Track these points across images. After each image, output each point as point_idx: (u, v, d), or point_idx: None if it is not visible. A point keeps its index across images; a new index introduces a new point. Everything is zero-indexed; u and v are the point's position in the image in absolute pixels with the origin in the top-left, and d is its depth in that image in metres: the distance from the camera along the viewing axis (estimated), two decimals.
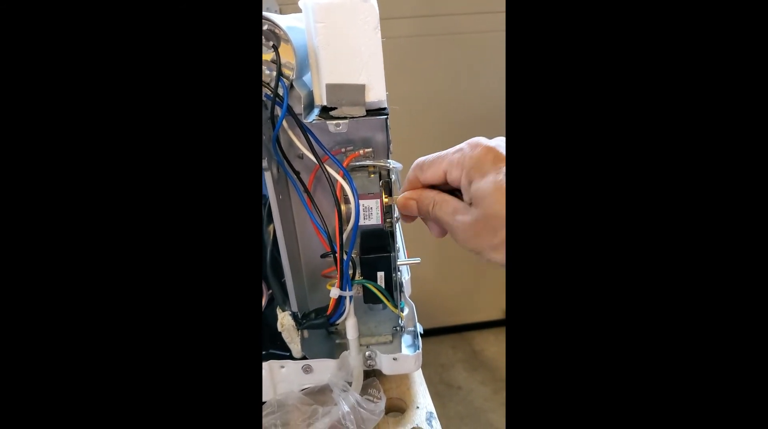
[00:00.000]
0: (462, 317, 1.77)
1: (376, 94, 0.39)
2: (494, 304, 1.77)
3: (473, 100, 1.44)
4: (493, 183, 0.36)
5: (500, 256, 0.37)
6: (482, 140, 0.40)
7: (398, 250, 0.49)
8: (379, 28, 0.38)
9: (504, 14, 1.30)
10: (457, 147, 0.41)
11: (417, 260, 0.50)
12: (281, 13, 0.71)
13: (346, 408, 0.44)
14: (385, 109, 0.41)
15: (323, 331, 0.54)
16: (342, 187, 0.42)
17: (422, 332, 0.54)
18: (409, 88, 1.40)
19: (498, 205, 0.35)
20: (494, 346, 1.76)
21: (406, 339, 0.54)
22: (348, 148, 0.45)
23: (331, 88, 0.39)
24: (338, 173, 0.42)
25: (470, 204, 0.38)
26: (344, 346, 0.51)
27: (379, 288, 0.46)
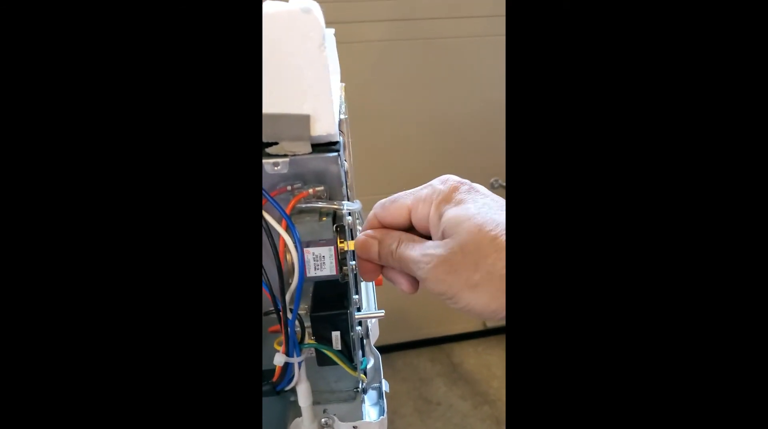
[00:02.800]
0: (440, 329, 1.72)
1: (324, 126, 0.32)
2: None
3: (448, 106, 1.40)
4: (472, 209, 0.29)
5: (479, 299, 0.29)
6: (454, 176, 0.33)
7: (359, 300, 0.42)
8: (326, 45, 0.30)
9: (481, 19, 1.26)
10: (425, 184, 0.35)
11: (381, 313, 0.43)
12: None
13: None
14: (336, 143, 0.34)
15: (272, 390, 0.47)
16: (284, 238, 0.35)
17: (387, 390, 0.47)
18: (383, 92, 1.34)
19: (479, 233, 0.28)
20: (473, 359, 1.71)
21: (371, 397, 0.47)
22: (296, 186, 0.37)
23: (269, 119, 0.31)
24: (280, 222, 0.35)
25: (442, 238, 0.31)
26: (299, 408, 0.44)
27: (333, 351, 0.39)
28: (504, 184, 1.50)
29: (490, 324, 1.71)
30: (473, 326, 1.73)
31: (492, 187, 1.50)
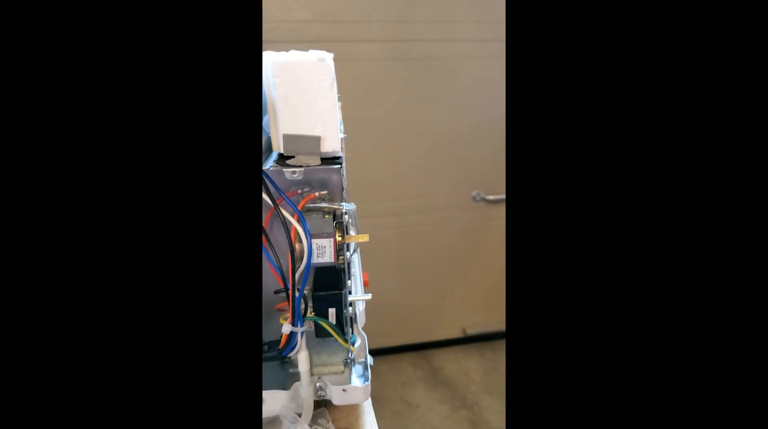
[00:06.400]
0: (423, 335, 1.80)
1: (331, 145, 0.42)
2: (454, 323, 1.80)
3: (434, 122, 1.49)
4: None
5: None
6: None
7: (351, 286, 0.51)
8: (335, 85, 0.40)
9: (470, 42, 1.35)
10: None
11: (368, 296, 0.53)
12: None
13: None
14: (339, 158, 0.44)
15: (276, 362, 0.56)
16: (296, 229, 0.44)
17: (372, 364, 0.56)
18: (375, 107, 1.43)
19: None
20: (453, 365, 1.79)
21: (357, 369, 0.56)
22: (304, 190, 0.47)
23: (288, 139, 0.41)
24: (293, 216, 0.44)
25: None
26: (297, 376, 0.53)
27: (330, 324, 0.49)
28: (486, 197, 1.58)
29: (470, 331, 1.80)
30: (454, 333, 1.81)
31: (474, 200, 1.59)
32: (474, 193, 1.58)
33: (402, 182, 1.53)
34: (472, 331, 1.80)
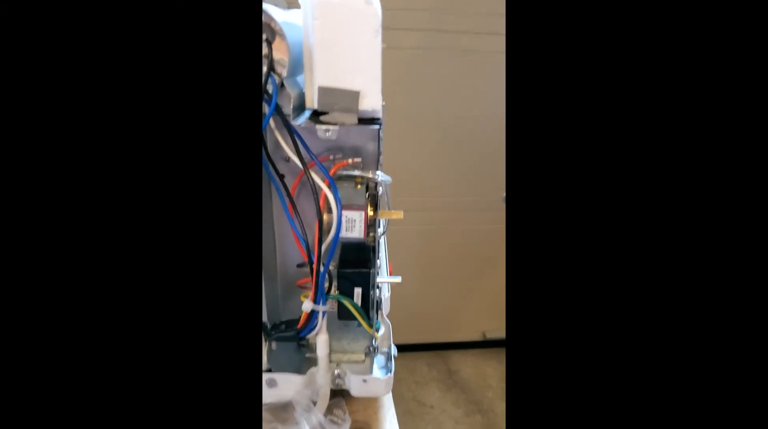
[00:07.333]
0: (440, 336, 1.75)
1: (371, 102, 0.37)
2: (474, 326, 1.75)
3: (473, 119, 1.44)
4: None
5: None
6: None
7: (379, 267, 0.47)
8: (381, 32, 0.36)
9: None
10: None
11: (398, 279, 0.48)
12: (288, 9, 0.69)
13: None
14: (378, 119, 0.39)
15: (293, 343, 0.52)
16: (326, 196, 0.40)
17: (396, 354, 0.51)
18: (410, 100, 1.39)
19: None
20: (470, 368, 1.74)
21: (379, 360, 0.52)
22: (337, 156, 0.42)
23: (324, 92, 0.37)
24: (323, 181, 0.40)
25: None
26: (314, 361, 0.49)
27: (354, 305, 0.44)
28: None
29: (490, 335, 1.74)
30: (474, 336, 1.76)
31: (503, 202, 1.53)
32: (504, 194, 1.53)
33: (429, 178, 1.48)
34: (492, 335, 1.75)
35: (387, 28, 1.32)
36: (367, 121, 0.39)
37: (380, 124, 0.39)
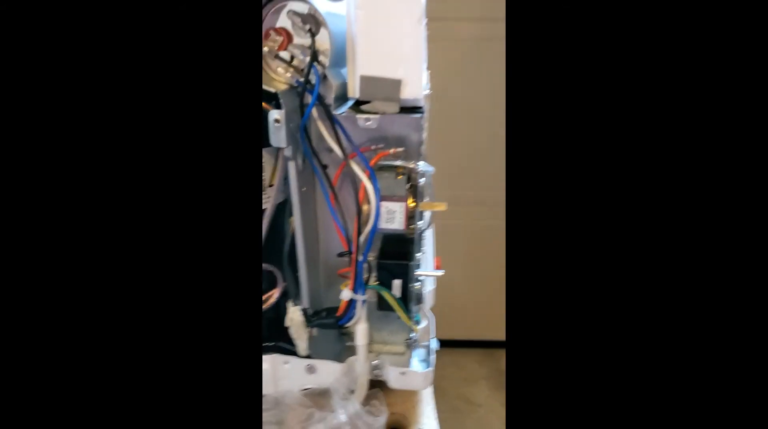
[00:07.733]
0: (492, 333, 1.71)
1: (413, 91, 0.37)
2: None
3: None
4: None
5: None
6: None
7: (420, 260, 0.46)
8: (425, 21, 0.35)
9: None
10: None
11: (440, 272, 0.47)
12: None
13: (344, 417, 0.42)
14: (420, 108, 0.38)
15: (334, 331, 0.52)
16: (365, 187, 0.40)
17: (438, 348, 0.51)
18: (464, 90, 1.36)
19: None
20: None
21: (420, 353, 0.51)
22: (378, 146, 0.42)
23: (366, 81, 0.37)
24: (364, 172, 0.40)
25: None
26: (353, 351, 0.49)
27: (393, 296, 0.44)
28: None
29: None
30: None
31: None
32: None
33: (481, 172, 1.44)
34: None
35: (441, 18, 1.29)
36: (409, 109, 0.38)
37: (422, 113, 0.38)
